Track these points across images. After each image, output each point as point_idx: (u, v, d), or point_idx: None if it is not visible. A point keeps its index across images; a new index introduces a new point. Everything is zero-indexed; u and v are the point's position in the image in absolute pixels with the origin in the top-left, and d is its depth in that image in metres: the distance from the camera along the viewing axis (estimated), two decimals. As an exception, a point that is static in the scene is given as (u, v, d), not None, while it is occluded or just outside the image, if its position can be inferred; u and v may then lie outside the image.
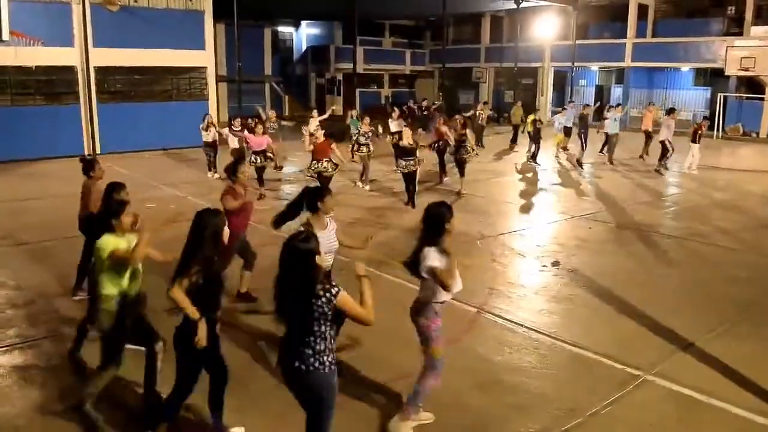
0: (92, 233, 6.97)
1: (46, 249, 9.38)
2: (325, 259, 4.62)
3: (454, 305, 6.87)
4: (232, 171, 6.99)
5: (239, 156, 12.48)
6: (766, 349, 6.23)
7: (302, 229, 4.96)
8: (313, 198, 5.37)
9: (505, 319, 6.84)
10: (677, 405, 5.22)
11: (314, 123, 15.13)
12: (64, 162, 17.32)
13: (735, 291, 7.91)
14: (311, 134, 12.47)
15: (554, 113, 20.84)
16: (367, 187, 14.16)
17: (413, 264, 4.60)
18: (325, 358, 3.66)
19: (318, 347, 3.63)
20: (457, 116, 15.45)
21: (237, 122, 15.24)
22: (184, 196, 13.30)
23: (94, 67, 19.17)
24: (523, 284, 8.10)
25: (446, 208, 4.61)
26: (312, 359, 3.64)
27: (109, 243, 4.69)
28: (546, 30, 31.05)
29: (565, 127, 19.14)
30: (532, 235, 10.64)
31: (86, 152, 19.14)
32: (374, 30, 36.97)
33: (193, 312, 4.15)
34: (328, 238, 5.32)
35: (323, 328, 3.63)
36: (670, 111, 17.64)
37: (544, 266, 8.90)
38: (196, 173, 16.09)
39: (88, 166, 7.15)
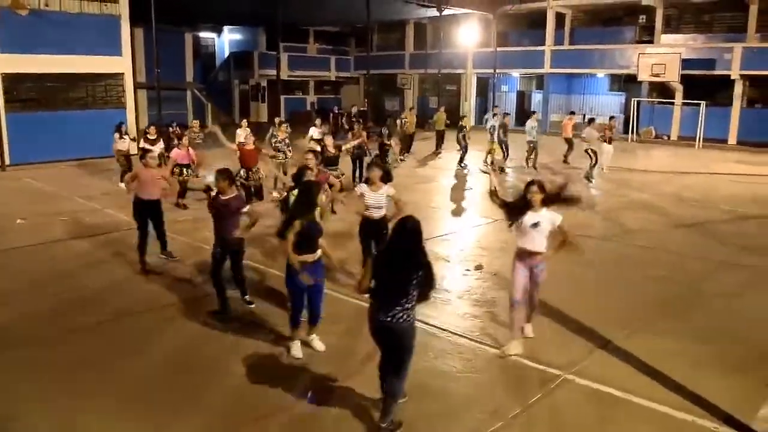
0: None
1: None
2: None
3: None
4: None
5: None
6: (682, 345, 6.44)
7: None
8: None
9: (429, 324, 6.79)
10: (597, 403, 5.33)
11: (244, 133, 14.75)
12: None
13: (652, 289, 8.19)
14: (241, 143, 12.35)
15: (488, 117, 20.83)
16: (276, 194, 13.43)
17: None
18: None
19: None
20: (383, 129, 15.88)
21: (152, 130, 14.56)
22: (101, 209, 12.77)
23: (2, 74, 18.16)
24: (447, 289, 8.11)
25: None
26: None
27: None
28: (468, 37, 31.54)
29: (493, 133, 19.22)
30: (456, 240, 10.73)
31: (-6, 163, 18.20)
32: (298, 36, 36.60)
33: None
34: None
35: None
36: (591, 121, 17.56)
37: (467, 270, 8.98)
38: (113, 185, 15.32)
39: None
